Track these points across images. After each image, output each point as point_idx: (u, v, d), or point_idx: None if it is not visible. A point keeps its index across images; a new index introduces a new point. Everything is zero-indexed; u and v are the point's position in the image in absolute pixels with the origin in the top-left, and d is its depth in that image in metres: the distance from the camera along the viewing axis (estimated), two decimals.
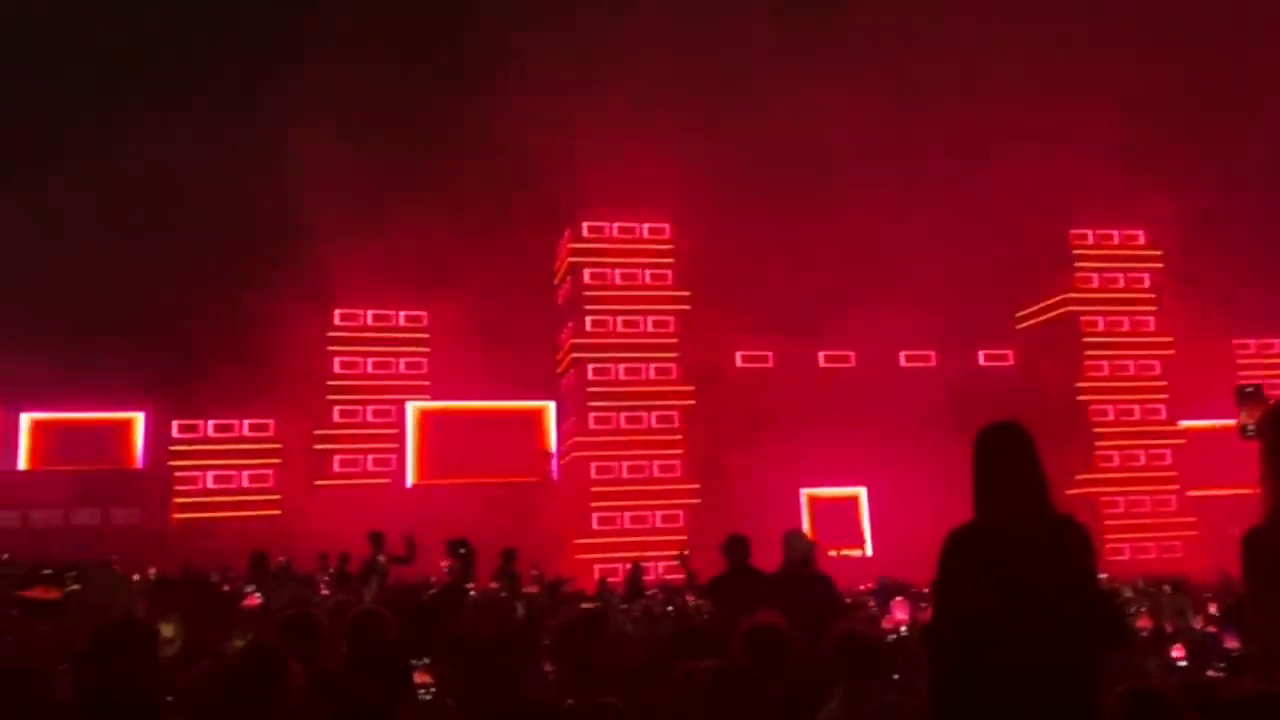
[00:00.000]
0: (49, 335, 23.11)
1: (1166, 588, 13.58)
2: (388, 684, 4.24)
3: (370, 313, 26.09)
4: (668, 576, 19.04)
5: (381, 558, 10.92)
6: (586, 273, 25.74)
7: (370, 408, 25.58)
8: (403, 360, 26.12)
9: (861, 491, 25.76)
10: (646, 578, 16.32)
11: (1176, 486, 26.85)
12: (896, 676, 5.09)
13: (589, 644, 5.12)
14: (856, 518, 25.59)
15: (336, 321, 25.77)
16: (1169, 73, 22.87)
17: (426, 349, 26.17)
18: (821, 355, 27.18)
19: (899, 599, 8.13)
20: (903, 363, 27.59)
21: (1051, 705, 3.24)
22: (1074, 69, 23.43)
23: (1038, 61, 23.15)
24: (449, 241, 22.67)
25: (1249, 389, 11.58)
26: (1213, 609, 12.01)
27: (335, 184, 21.76)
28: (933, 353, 27.69)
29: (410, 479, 25.04)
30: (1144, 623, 7.13)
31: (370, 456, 25.28)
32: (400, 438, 25.36)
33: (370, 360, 25.88)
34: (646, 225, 26.06)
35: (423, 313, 26.31)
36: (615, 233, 26.09)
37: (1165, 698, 3.67)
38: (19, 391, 23.21)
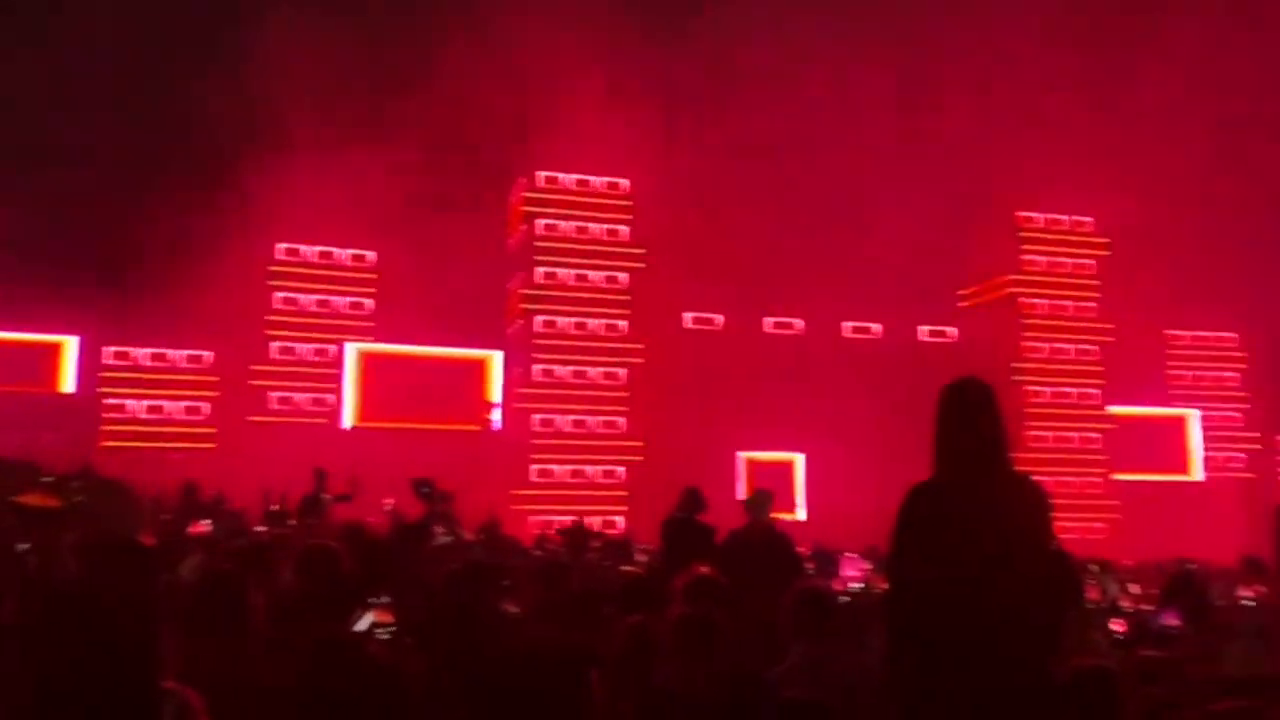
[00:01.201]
0: None
1: (1094, 567, 13.96)
2: (342, 618, 4.15)
3: (315, 249, 25.54)
4: (606, 530, 19.07)
5: (326, 495, 10.76)
6: (539, 223, 25.50)
7: (309, 346, 25.14)
8: (346, 299, 25.67)
9: (798, 457, 26.03)
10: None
11: (1104, 470, 27.64)
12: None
13: (546, 591, 5.09)
14: (790, 482, 25.87)
15: (278, 255, 25.18)
16: (1131, 70, 23.16)
17: (372, 289, 25.73)
18: (770, 321, 27.32)
19: (849, 556, 8.22)
20: (848, 333, 27.84)
21: (1014, 661, 3.25)
22: (1036, 54, 23.53)
23: (997, 42, 23.20)
24: (401, 181, 22.20)
25: None
26: (1135, 589, 12.38)
27: (288, 112, 21.12)
28: (877, 325, 27.98)
29: (347, 420, 24.70)
30: (1093, 594, 7.32)
31: (307, 395, 24.88)
32: (338, 378, 24.98)
33: (312, 297, 25.39)
34: (604, 179, 25.88)
35: (369, 252, 25.82)
36: (571, 185, 25.87)
37: (1112, 675, 3.71)
38: None
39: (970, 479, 3.45)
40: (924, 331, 28.41)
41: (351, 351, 25.03)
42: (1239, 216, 23.24)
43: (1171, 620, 5.93)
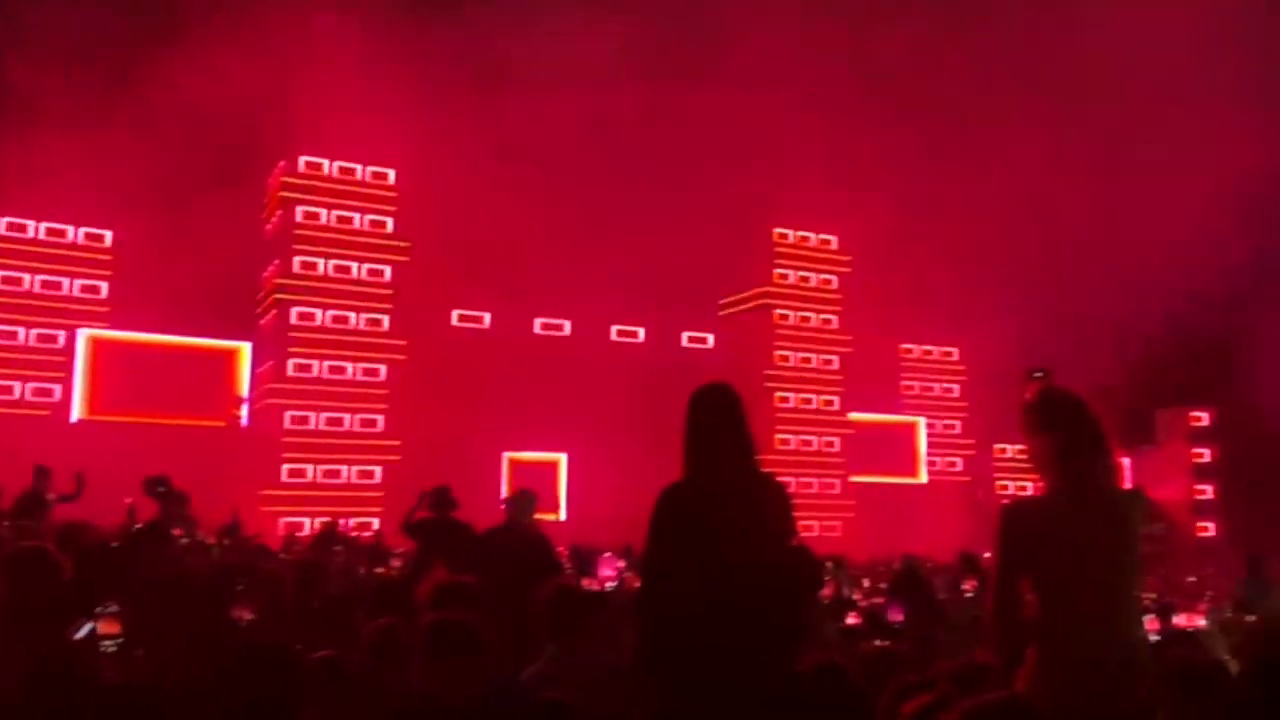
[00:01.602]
0: None
1: (829, 563, 14.90)
2: (59, 629, 3.82)
3: (42, 225, 23.31)
4: (358, 533, 18.57)
5: (50, 495, 9.82)
6: (299, 210, 24.40)
7: (32, 330, 22.93)
8: (77, 282, 23.59)
9: (562, 458, 26.25)
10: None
11: (842, 472, 29.61)
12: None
13: (297, 596, 4.89)
14: (554, 483, 26.05)
15: None
16: (876, 100, 24.90)
17: (108, 272, 23.74)
18: (538, 322, 27.42)
19: (606, 555, 8.37)
20: (613, 337, 28.40)
21: (762, 654, 3.41)
22: (790, 74, 24.82)
23: (754, 58, 24.30)
24: (146, 156, 20.60)
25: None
26: (867, 584, 13.32)
27: (15, 71, 19.13)
28: (642, 329, 28.70)
29: (76, 413, 22.67)
30: (827, 590, 7.82)
31: (28, 385, 22.68)
32: (68, 367, 22.90)
33: (38, 278, 23.16)
34: (369, 168, 25.09)
35: (106, 231, 23.83)
36: (334, 172, 24.90)
37: (845, 671, 3.94)
38: None
39: (719, 480, 3.60)
40: (685, 338, 29.42)
41: (83, 338, 23.02)
42: (962, 243, 25.47)
43: (896, 615, 6.44)
